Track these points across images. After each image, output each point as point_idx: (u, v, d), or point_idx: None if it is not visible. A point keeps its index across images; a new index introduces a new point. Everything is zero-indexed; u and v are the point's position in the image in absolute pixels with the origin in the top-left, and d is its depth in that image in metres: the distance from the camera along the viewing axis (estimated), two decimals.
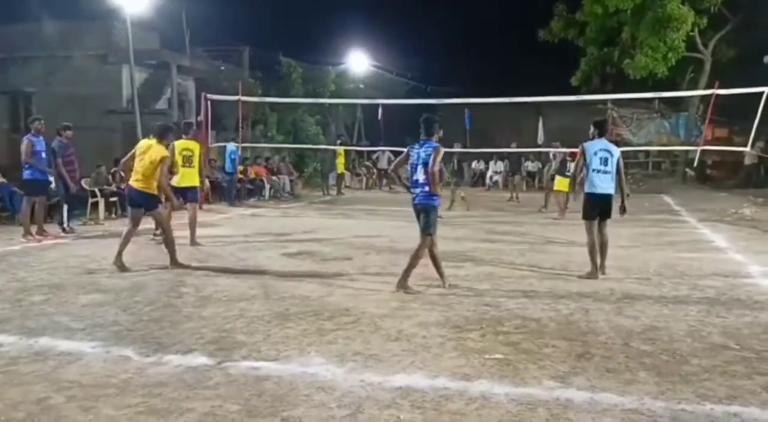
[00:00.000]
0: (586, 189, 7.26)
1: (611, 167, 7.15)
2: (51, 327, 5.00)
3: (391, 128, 27.74)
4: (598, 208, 7.17)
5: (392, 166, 6.73)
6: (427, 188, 6.30)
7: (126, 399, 3.61)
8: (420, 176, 6.33)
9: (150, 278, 6.89)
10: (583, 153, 7.24)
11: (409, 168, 6.50)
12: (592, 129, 7.40)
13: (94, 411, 3.45)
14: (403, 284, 6.33)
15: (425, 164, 6.26)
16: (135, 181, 7.41)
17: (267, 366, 4.13)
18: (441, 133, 6.50)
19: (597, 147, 7.22)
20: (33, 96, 17.75)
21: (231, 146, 16.39)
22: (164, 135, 7.60)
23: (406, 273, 6.38)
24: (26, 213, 9.69)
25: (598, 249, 7.14)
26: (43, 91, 18.75)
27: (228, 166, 16.42)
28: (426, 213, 6.38)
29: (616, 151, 7.24)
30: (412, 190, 6.47)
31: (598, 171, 7.14)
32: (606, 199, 7.17)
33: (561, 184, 13.15)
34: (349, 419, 3.37)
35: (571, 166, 11.74)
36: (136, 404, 3.53)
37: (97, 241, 9.60)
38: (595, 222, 7.20)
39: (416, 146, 6.44)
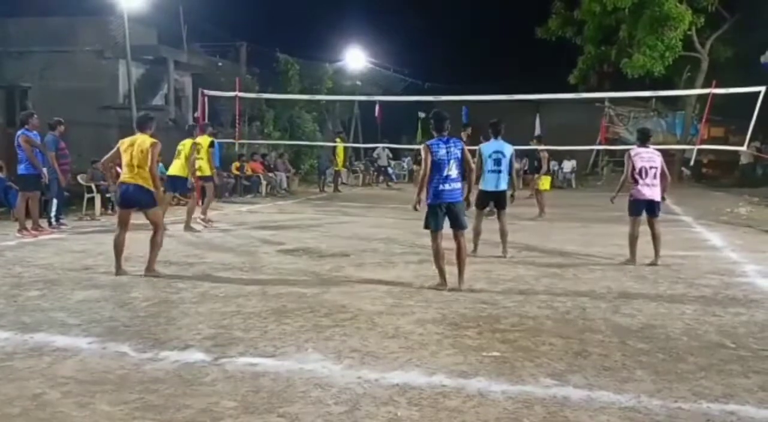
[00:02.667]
0: (481, 186, 8.17)
1: (504, 167, 8.10)
2: (47, 323, 4.98)
3: (389, 125, 27.77)
4: (489, 201, 8.25)
5: (423, 170, 6.34)
6: (460, 184, 6.32)
7: (122, 395, 3.60)
8: (453, 172, 6.22)
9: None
10: (480, 155, 8.14)
11: (437, 164, 6.18)
12: (489, 130, 8.29)
13: (90, 407, 3.44)
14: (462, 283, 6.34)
15: (459, 159, 6.24)
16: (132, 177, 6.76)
17: (264, 362, 4.13)
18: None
19: (491, 149, 8.14)
20: (29, 91, 17.72)
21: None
22: (144, 125, 7.01)
23: (463, 270, 6.38)
24: (21, 209, 9.65)
25: (479, 234, 8.23)
26: (39, 85, 18.71)
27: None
28: (461, 209, 6.39)
29: (509, 151, 8.13)
30: (442, 185, 6.20)
31: (492, 171, 8.11)
32: (497, 194, 8.16)
33: (544, 183, 13.70)
34: (346, 416, 3.36)
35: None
36: (133, 400, 3.52)
37: (93, 237, 9.58)
38: (485, 211, 8.36)
39: (440, 142, 6.24)
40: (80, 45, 19.81)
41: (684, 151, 22.61)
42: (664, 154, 27.13)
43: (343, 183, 22.13)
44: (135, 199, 6.90)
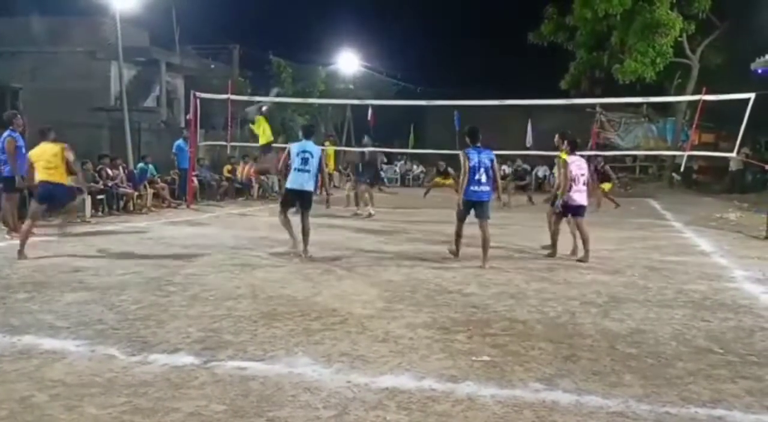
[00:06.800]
0: (287, 184, 8.48)
1: (311, 167, 8.27)
2: (35, 325, 4.95)
3: (381, 129, 27.78)
4: (295, 199, 8.41)
5: (463, 174, 7.99)
6: (489, 186, 7.95)
7: (110, 398, 3.58)
8: (483, 176, 7.86)
9: (136, 276, 6.84)
10: (288, 154, 8.46)
11: (471, 170, 7.84)
12: (300, 133, 8.93)
13: (78, 411, 3.43)
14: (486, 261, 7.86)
15: (487, 168, 7.90)
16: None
17: (253, 366, 4.12)
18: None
19: (299, 149, 8.32)
20: (20, 91, 17.61)
21: (179, 141, 15.87)
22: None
23: (487, 253, 7.89)
24: (7, 210, 9.54)
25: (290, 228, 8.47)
26: (30, 86, 18.58)
27: (182, 161, 15.69)
28: (488, 205, 8.05)
29: (317, 153, 8.37)
30: (474, 187, 7.86)
31: (298, 170, 8.27)
32: (302, 193, 8.33)
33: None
34: (335, 420, 3.36)
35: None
36: (121, 403, 3.51)
37: (84, 239, 9.53)
38: (293, 210, 8.55)
39: (473, 151, 7.94)
40: (72, 46, 19.74)
41: (675, 156, 22.75)
42: (655, 159, 27.19)
43: (335, 186, 22.11)
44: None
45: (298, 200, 8.39)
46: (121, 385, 3.77)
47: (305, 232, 8.32)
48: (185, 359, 4.22)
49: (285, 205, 8.57)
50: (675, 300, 6.21)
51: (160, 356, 4.27)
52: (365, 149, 14.83)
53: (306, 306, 5.65)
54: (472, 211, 8.00)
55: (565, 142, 8.64)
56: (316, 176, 8.46)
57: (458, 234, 8.23)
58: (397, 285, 6.65)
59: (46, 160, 8.15)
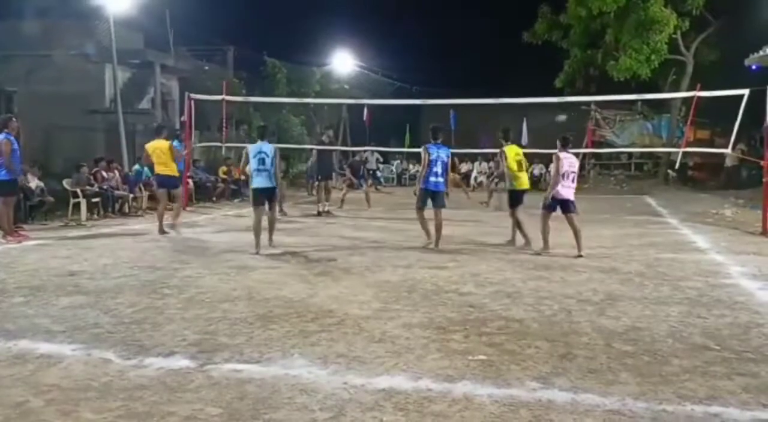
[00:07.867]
0: (252, 184, 8.82)
1: (267, 166, 8.63)
2: (31, 330, 4.93)
3: (377, 128, 27.79)
4: (264, 197, 8.77)
5: (423, 166, 9.00)
6: (444, 178, 8.98)
7: (106, 402, 3.57)
8: (440, 169, 8.90)
9: (132, 279, 6.83)
10: (247, 154, 8.83)
11: (431, 163, 8.85)
12: (255, 133, 10.08)
13: (74, 415, 3.41)
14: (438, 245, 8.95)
15: (444, 162, 8.95)
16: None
17: (249, 368, 4.11)
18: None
19: (256, 149, 8.70)
20: (14, 95, 17.59)
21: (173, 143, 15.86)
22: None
23: (439, 239, 8.98)
24: (2, 214, 9.52)
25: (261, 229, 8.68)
26: (25, 89, 18.56)
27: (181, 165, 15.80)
28: (443, 195, 9.08)
29: (272, 152, 8.70)
30: (432, 178, 8.88)
31: (257, 170, 8.63)
32: (267, 190, 8.73)
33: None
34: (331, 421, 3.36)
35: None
36: (117, 407, 3.50)
37: (79, 242, 9.51)
38: (265, 208, 8.90)
39: (434, 147, 8.94)
40: (67, 48, 19.66)
41: (670, 153, 22.79)
42: (650, 156, 27.22)
43: (332, 187, 22.07)
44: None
45: (266, 197, 8.79)
46: (117, 389, 3.75)
47: (271, 223, 8.91)
48: (181, 362, 4.21)
49: (257, 204, 8.77)
50: (671, 297, 6.21)
51: (155, 359, 4.26)
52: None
53: (302, 308, 5.64)
54: (430, 202, 9.02)
55: (557, 140, 8.90)
56: (275, 173, 8.79)
57: (422, 219, 9.07)
58: (394, 285, 6.64)
59: (158, 155, 10.60)
